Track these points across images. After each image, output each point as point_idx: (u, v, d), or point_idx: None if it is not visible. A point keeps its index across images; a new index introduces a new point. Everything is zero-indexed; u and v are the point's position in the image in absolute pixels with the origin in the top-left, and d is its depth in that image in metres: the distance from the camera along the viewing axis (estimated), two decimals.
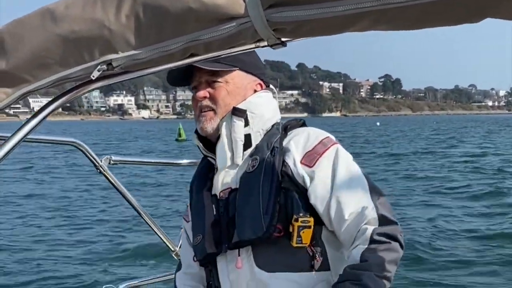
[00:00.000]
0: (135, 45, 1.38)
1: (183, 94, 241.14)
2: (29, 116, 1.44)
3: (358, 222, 2.09)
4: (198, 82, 2.30)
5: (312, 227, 2.12)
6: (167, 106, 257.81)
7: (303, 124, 2.38)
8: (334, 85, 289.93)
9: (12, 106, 1.48)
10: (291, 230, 2.12)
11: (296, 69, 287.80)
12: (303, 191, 2.16)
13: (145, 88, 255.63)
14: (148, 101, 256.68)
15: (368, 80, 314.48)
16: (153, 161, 3.40)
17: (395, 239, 2.08)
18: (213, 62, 2.20)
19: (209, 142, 2.35)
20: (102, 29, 1.36)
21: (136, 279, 3.85)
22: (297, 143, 2.22)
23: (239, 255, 2.22)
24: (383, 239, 2.06)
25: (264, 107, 2.31)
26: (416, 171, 27.19)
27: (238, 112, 2.25)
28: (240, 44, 1.51)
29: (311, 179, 2.15)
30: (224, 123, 2.26)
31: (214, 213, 2.28)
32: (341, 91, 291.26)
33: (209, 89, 2.28)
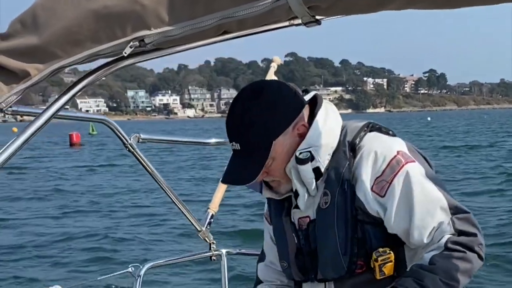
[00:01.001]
0: (168, 22, 1.37)
1: (227, 93, 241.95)
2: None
3: (436, 240, 2.06)
4: None
5: (393, 260, 2.10)
6: (211, 105, 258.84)
7: (372, 127, 2.24)
8: (378, 80, 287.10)
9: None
10: (372, 266, 2.11)
11: (339, 65, 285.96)
12: (379, 222, 2.12)
13: (189, 87, 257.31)
14: (193, 100, 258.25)
15: (412, 75, 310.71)
16: (181, 140, 3.38)
17: (471, 249, 2.03)
18: (253, 165, 2.12)
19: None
20: (135, 5, 1.36)
21: (161, 259, 3.88)
22: (366, 170, 2.12)
23: (325, 287, 2.26)
24: (458, 247, 2.02)
25: (324, 132, 2.17)
26: None
27: (301, 160, 2.14)
28: (274, 22, 1.49)
29: (385, 210, 2.10)
30: (292, 173, 2.17)
31: (296, 241, 2.28)
32: (385, 86, 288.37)
33: (264, 173, 2.18)
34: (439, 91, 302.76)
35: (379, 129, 2.25)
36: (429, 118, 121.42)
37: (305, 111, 2.21)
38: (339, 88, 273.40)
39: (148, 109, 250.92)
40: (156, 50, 1.44)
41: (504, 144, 39.26)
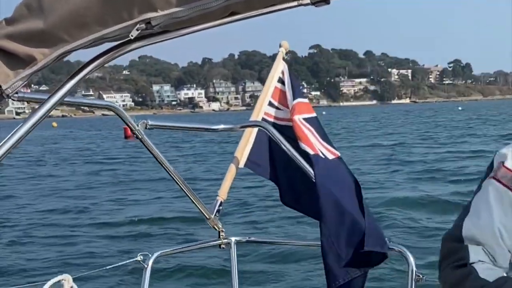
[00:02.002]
0: (175, 3, 1.35)
1: (252, 86, 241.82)
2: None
3: None
4: None
5: None
6: (236, 98, 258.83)
7: None
8: (403, 71, 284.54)
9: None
10: None
11: (363, 56, 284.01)
12: None
13: (214, 81, 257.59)
14: (218, 93, 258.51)
15: (437, 65, 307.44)
16: (189, 126, 3.35)
17: None
18: None
19: None
20: None
21: (170, 247, 3.86)
22: None
23: None
24: None
25: None
26: None
27: None
28: (282, 2, 1.47)
29: None
30: None
31: None
32: (410, 77, 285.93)
33: None
34: (464, 81, 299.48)
35: None
36: (460, 108, 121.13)
37: None
38: (363, 80, 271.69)
39: (174, 103, 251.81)
40: (163, 32, 1.43)
41: None
